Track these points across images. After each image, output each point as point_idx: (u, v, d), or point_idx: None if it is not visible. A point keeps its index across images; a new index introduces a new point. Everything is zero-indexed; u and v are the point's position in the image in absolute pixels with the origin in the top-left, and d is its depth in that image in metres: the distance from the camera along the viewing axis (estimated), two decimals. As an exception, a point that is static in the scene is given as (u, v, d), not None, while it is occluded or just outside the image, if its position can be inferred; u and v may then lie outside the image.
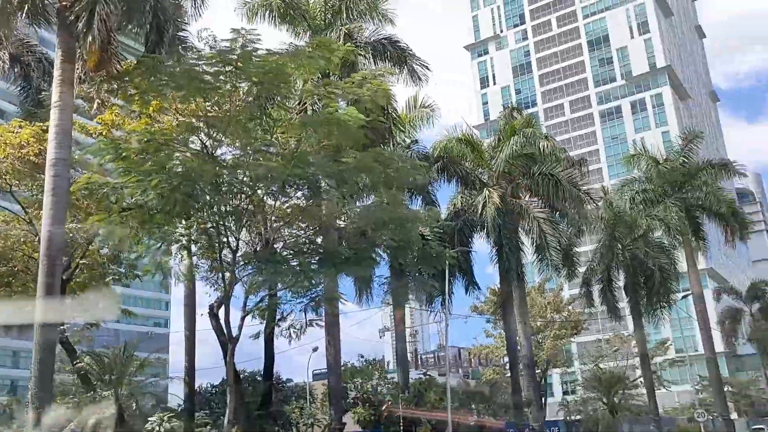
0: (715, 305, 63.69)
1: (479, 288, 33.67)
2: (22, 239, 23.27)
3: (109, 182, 17.95)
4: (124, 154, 16.94)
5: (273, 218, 21.29)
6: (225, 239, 21.54)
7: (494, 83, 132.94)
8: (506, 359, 45.52)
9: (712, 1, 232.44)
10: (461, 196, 32.67)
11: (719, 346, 55.78)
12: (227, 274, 20.51)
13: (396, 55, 27.59)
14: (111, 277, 21.48)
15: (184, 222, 18.87)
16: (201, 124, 18.72)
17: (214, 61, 17.46)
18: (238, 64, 17.26)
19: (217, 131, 18.40)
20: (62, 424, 16.87)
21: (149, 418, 16.41)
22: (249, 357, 75.48)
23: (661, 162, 41.41)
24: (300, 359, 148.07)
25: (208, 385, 31.17)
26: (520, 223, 31.40)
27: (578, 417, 44.77)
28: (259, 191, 20.87)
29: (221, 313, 21.06)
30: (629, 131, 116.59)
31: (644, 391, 42.63)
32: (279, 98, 19.05)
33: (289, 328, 22.88)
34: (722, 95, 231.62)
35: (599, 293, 39.80)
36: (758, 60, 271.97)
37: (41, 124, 20.51)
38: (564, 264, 31.76)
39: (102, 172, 19.81)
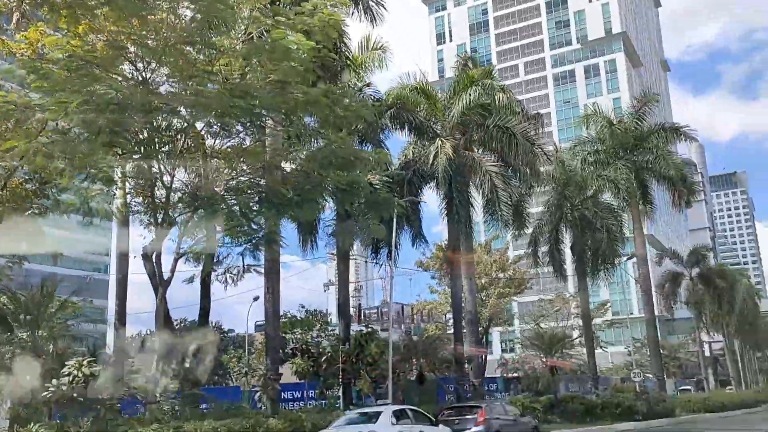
0: (655, 270, 65.03)
1: (426, 241, 33.02)
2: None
3: (30, 102, 16.12)
4: (43, 73, 15.19)
5: (213, 157, 19.95)
6: (159, 176, 20.17)
7: (450, 40, 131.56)
8: (449, 316, 45.43)
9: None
10: (413, 147, 31.82)
11: (656, 310, 57.15)
12: (161, 214, 19.24)
13: (351, -13, 25.97)
14: (31, 211, 19.76)
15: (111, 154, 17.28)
16: (134, 48, 17.06)
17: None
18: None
19: (152, 56, 16.77)
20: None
21: (66, 363, 15.18)
22: (191, 305, 74.19)
23: (614, 123, 41.34)
24: (243, 310, 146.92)
25: (148, 332, 30.04)
26: (471, 177, 30.75)
27: (516, 374, 45.25)
28: (197, 125, 19.47)
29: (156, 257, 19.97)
30: (581, 96, 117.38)
31: (583, 350, 43.21)
32: (222, 24, 17.45)
33: (225, 273, 21.87)
34: (671, 66, 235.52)
35: (546, 253, 39.85)
36: (710, 34, 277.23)
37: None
38: (514, 220, 31.32)
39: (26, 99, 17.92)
